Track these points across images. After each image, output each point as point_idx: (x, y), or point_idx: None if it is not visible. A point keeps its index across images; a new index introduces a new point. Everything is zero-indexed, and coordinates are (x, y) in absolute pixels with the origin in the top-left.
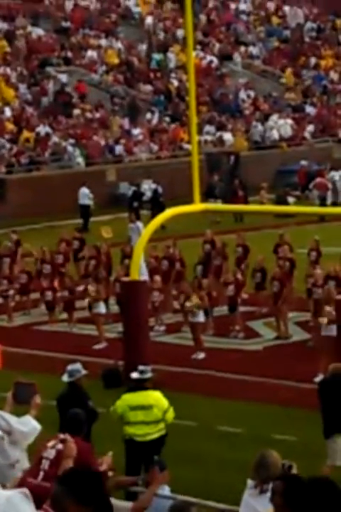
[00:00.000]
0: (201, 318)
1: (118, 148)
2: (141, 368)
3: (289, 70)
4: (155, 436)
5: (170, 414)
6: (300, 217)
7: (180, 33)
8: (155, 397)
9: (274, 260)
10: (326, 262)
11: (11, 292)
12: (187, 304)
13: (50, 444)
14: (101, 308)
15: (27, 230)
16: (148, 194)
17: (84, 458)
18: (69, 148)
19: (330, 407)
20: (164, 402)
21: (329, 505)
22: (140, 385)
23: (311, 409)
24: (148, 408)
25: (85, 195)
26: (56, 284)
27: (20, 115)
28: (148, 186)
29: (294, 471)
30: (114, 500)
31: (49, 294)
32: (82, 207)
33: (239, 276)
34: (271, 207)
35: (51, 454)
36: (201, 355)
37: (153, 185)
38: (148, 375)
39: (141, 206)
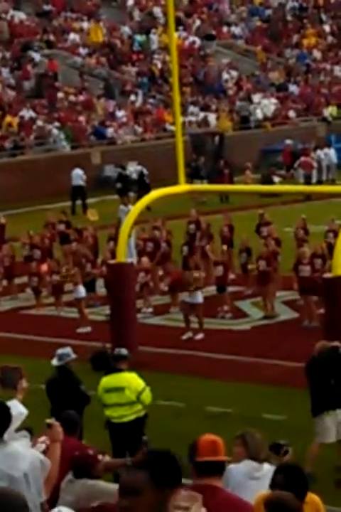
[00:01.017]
0: (200, 298)
1: (109, 131)
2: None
3: (259, 48)
4: (132, 417)
5: (146, 396)
6: (285, 196)
7: (160, 12)
8: (128, 379)
9: (259, 240)
10: (312, 241)
11: None
12: (195, 274)
13: (41, 439)
14: (81, 292)
15: (12, 214)
16: (134, 176)
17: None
18: (55, 132)
19: (318, 385)
20: (138, 384)
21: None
22: (115, 368)
23: (299, 388)
24: (121, 390)
25: (79, 176)
26: (45, 267)
27: (3, 99)
28: (133, 168)
29: (289, 453)
30: (102, 483)
31: (35, 279)
32: (75, 188)
33: (227, 255)
34: (257, 186)
35: (41, 447)
36: (199, 336)
37: (139, 167)
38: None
39: (126, 188)
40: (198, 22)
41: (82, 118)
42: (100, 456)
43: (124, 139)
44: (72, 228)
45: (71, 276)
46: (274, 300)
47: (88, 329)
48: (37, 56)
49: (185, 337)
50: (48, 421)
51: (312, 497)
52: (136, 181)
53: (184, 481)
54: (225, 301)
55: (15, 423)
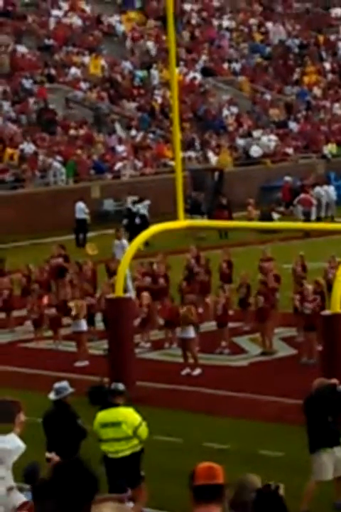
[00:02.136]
0: (191, 333)
1: (104, 166)
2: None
3: (244, 78)
4: (127, 453)
5: (143, 431)
6: (284, 233)
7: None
8: (125, 414)
9: (258, 276)
10: (311, 278)
11: None
12: (181, 310)
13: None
14: (83, 325)
15: (12, 247)
16: (142, 212)
17: None
18: (56, 165)
19: (315, 422)
20: (135, 419)
21: None
22: (111, 402)
23: (297, 425)
24: (117, 425)
25: (81, 210)
26: (46, 300)
27: (4, 132)
28: (141, 205)
29: (281, 491)
30: None
31: (36, 311)
32: (78, 221)
33: (227, 292)
34: (256, 223)
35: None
36: (197, 371)
37: (147, 203)
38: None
39: (133, 224)
40: (199, 58)
41: (81, 152)
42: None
43: (128, 172)
44: (70, 262)
45: (80, 309)
46: (272, 336)
47: (86, 363)
48: (38, 89)
49: (183, 373)
50: (48, 455)
51: None
52: (146, 216)
53: None
54: (223, 336)
55: (13, 457)
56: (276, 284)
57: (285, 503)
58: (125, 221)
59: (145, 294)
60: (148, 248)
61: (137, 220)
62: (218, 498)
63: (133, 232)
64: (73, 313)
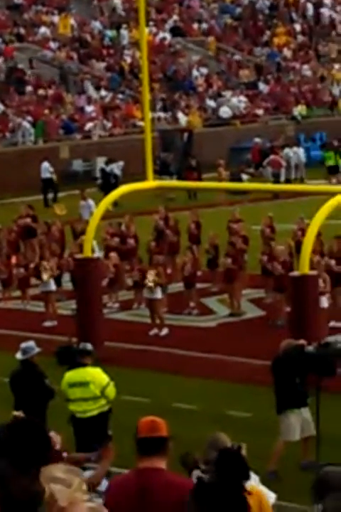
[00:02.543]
0: (159, 294)
1: (73, 126)
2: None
3: (211, 38)
4: (95, 412)
5: (111, 391)
6: (254, 194)
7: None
8: (93, 374)
9: (227, 237)
10: (280, 239)
11: None
12: (148, 279)
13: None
14: (52, 285)
15: None
16: (116, 172)
17: None
18: (25, 125)
19: (283, 383)
20: (102, 379)
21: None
22: (79, 362)
23: (264, 386)
24: (85, 385)
25: (46, 169)
26: (14, 260)
27: None
28: (115, 164)
29: (243, 451)
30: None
31: (4, 271)
32: (44, 181)
33: (195, 253)
34: (225, 184)
35: None
36: (164, 331)
37: (121, 163)
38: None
39: (108, 184)
40: (169, 18)
41: (49, 112)
42: (64, 454)
43: (98, 133)
44: (38, 222)
45: (51, 269)
46: (240, 297)
47: (54, 323)
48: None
49: (151, 333)
50: (15, 413)
51: (255, 489)
52: (119, 177)
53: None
54: (192, 297)
55: None
56: (244, 245)
57: (246, 462)
58: (99, 181)
59: (113, 255)
60: (116, 209)
61: (112, 181)
62: (161, 451)
63: (107, 193)
64: (45, 276)
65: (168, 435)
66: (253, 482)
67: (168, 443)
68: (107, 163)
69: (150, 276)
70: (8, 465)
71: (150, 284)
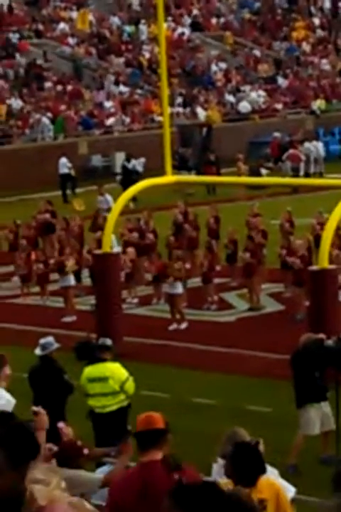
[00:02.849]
0: (179, 289)
1: (92, 122)
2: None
3: (228, 33)
4: (114, 407)
5: (130, 386)
6: (273, 188)
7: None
8: (112, 369)
9: (246, 232)
10: (299, 234)
11: None
12: (67, 266)
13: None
14: (71, 280)
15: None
16: (138, 168)
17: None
18: (44, 121)
19: (302, 377)
20: (122, 374)
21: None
22: (98, 357)
23: (284, 380)
24: (104, 380)
25: (64, 165)
26: (33, 256)
27: None
28: (137, 161)
29: (261, 446)
30: (84, 473)
31: (23, 267)
32: (62, 176)
33: (214, 248)
34: (244, 178)
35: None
36: (183, 325)
37: (142, 160)
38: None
39: (129, 180)
40: (188, 13)
41: (65, 107)
42: (85, 450)
43: (117, 127)
44: (57, 218)
45: (73, 267)
46: (259, 292)
47: (73, 318)
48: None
49: (171, 328)
50: (34, 409)
51: (270, 481)
52: (140, 174)
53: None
54: (210, 292)
55: (6, 409)
56: (263, 239)
57: (262, 456)
58: (119, 177)
59: (130, 249)
60: (136, 204)
61: (133, 177)
62: (158, 443)
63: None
64: (67, 270)
65: (164, 427)
66: (272, 476)
67: (165, 435)
68: (128, 159)
69: (69, 263)
70: (5, 458)
71: (68, 270)
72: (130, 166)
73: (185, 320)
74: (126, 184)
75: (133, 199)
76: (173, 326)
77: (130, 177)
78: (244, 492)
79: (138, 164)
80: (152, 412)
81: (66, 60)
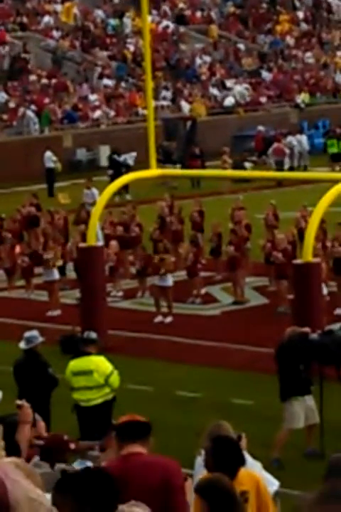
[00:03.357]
0: (170, 282)
1: (76, 115)
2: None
3: (212, 27)
4: (99, 401)
5: (114, 379)
6: (257, 182)
7: None
8: (96, 362)
9: (231, 225)
10: (283, 227)
11: None
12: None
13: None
14: (55, 274)
15: None
16: (129, 162)
17: None
18: (30, 114)
19: (287, 371)
20: (106, 367)
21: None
22: (83, 351)
23: (268, 373)
24: (89, 373)
25: (49, 159)
26: (18, 250)
27: None
28: (128, 155)
29: (243, 441)
30: (68, 466)
31: (8, 260)
32: (48, 170)
33: (199, 241)
34: (228, 172)
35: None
36: (168, 319)
37: (133, 154)
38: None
39: (120, 174)
40: (172, 6)
41: (49, 101)
42: (72, 445)
43: (102, 120)
44: (42, 211)
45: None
46: (244, 285)
47: (58, 312)
48: (10, 38)
49: (156, 320)
50: (18, 402)
51: (250, 473)
52: (132, 167)
53: None
54: (195, 286)
55: None
56: (247, 233)
57: (241, 448)
58: (110, 171)
59: (113, 243)
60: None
61: (124, 171)
62: (140, 437)
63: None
64: (52, 263)
65: (146, 421)
66: (256, 469)
67: (147, 429)
68: (117, 153)
69: (51, 257)
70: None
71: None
72: (121, 159)
73: (171, 314)
74: (116, 178)
75: (126, 191)
76: (158, 319)
77: (121, 171)
78: (226, 479)
79: (129, 158)
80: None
81: (50, 53)
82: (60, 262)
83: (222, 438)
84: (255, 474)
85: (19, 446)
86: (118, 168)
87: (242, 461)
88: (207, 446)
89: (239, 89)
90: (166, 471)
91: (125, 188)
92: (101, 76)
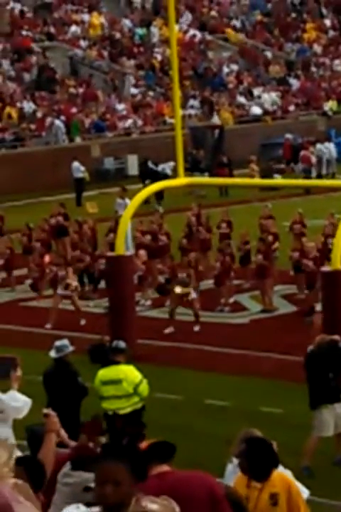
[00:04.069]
0: (193, 295)
1: (104, 124)
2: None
3: (239, 35)
4: (128, 410)
5: (143, 388)
6: (285, 190)
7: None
8: (125, 371)
9: (259, 233)
10: (311, 235)
11: None
12: (177, 290)
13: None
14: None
15: (10, 206)
16: (168, 172)
17: None
18: (58, 123)
19: (316, 379)
20: (135, 376)
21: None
22: (112, 360)
23: (297, 382)
24: (118, 382)
25: (77, 169)
26: (47, 259)
27: (3, 91)
28: (166, 164)
29: (274, 448)
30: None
31: (37, 270)
32: (77, 180)
33: (229, 251)
34: (257, 180)
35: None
36: (197, 328)
37: (171, 164)
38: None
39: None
40: (199, 15)
41: (77, 110)
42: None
43: (131, 129)
44: (70, 220)
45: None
46: (272, 294)
47: (83, 321)
48: (37, 48)
49: (167, 331)
50: (45, 411)
51: (282, 475)
52: (171, 177)
53: None
54: (223, 294)
55: (23, 412)
56: (276, 242)
57: (275, 452)
58: (147, 181)
59: (142, 252)
60: (148, 206)
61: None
62: (166, 459)
63: (157, 193)
64: (72, 287)
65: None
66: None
67: (174, 451)
68: (146, 161)
69: (178, 289)
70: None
71: (180, 292)
72: (159, 169)
73: (199, 322)
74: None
75: (146, 201)
76: (169, 330)
77: (159, 181)
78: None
79: (167, 168)
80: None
81: (79, 63)
82: (73, 283)
83: (256, 439)
84: (287, 477)
85: (41, 462)
86: (155, 178)
87: (276, 463)
88: (241, 447)
89: (272, 97)
90: (207, 483)
91: (160, 197)
92: (128, 85)
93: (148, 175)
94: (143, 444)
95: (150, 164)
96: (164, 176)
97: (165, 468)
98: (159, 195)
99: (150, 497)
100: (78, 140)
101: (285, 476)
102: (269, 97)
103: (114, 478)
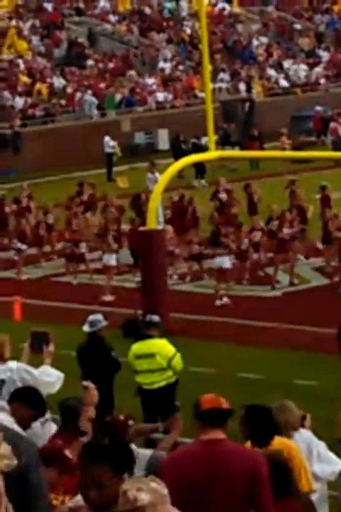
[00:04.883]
0: (227, 264)
1: (134, 99)
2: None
3: (269, 7)
4: (162, 384)
5: (177, 362)
6: (315, 162)
7: None
8: (159, 345)
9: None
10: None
11: (23, 247)
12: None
13: None
14: (113, 260)
15: (43, 182)
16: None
17: None
18: (89, 98)
19: None
20: (169, 350)
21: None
22: (145, 334)
23: (331, 354)
24: (151, 356)
25: (107, 144)
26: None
27: (33, 67)
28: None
29: (308, 421)
30: (134, 448)
31: (69, 246)
32: (107, 155)
33: (261, 224)
34: (287, 153)
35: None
36: (228, 301)
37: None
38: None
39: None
40: None
41: (106, 85)
42: (130, 422)
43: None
44: (98, 197)
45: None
46: (295, 266)
47: (111, 298)
48: (67, 23)
49: (217, 303)
50: (84, 383)
51: (283, 441)
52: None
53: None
54: (256, 267)
55: (56, 387)
56: (305, 214)
57: (274, 420)
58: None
59: (169, 227)
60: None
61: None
62: (224, 423)
63: (197, 166)
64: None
65: (230, 408)
66: (321, 449)
67: (229, 416)
68: (198, 137)
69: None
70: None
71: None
72: (203, 143)
73: (231, 296)
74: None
75: (179, 176)
76: (219, 302)
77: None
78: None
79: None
80: (218, 395)
81: (107, 37)
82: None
83: (255, 407)
84: (288, 442)
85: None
86: (199, 152)
87: (275, 430)
88: (241, 415)
89: (316, 70)
90: (254, 462)
91: (201, 172)
92: (158, 59)
93: (193, 150)
94: (206, 398)
95: (192, 139)
96: (204, 149)
97: (218, 434)
98: (201, 169)
99: (136, 483)
100: (112, 114)
101: (286, 441)
102: (297, 69)
103: (97, 482)
